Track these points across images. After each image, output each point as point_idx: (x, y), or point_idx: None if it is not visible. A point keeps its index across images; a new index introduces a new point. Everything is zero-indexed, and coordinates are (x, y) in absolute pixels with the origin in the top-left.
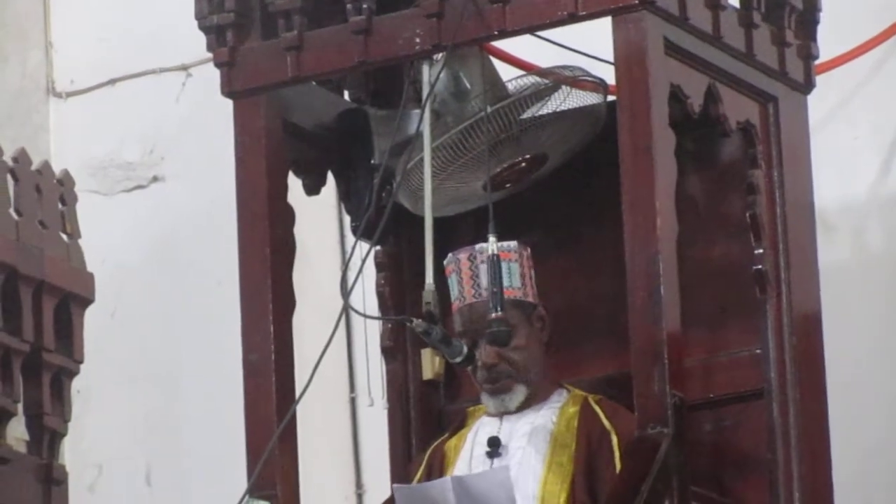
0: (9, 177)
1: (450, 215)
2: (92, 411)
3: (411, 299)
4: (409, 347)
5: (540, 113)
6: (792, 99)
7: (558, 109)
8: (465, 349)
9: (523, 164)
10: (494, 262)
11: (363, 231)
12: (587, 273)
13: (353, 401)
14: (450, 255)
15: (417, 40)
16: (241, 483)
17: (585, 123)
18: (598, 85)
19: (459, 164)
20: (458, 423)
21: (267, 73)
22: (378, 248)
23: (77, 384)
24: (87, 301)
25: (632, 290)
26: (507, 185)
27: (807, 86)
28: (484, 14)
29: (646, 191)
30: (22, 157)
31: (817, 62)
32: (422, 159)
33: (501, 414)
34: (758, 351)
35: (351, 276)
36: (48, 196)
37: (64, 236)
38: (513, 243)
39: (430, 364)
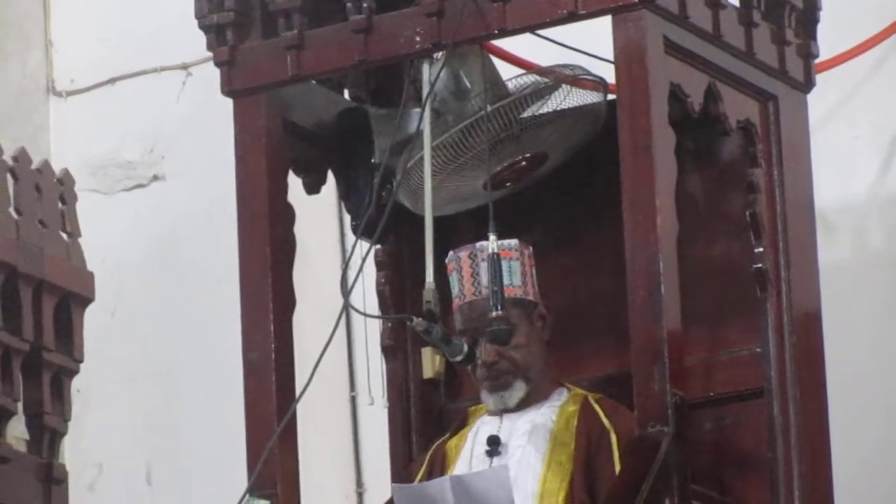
0: (9, 176)
1: (450, 214)
2: (92, 410)
3: (411, 298)
4: (409, 346)
5: (540, 112)
6: (792, 98)
7: (558, 108)
8: (466, 348)
9: (523, 163)
10: (495, 261)
11: (363, 230)
12: (587, 272)
13: (353, 399)
14: (451, 253)
15: (418, 39)
16: (242, 482)
17: (585, 122)
18: (599, 84)
19: (460, 163)
20: (460, 423)
21: (267, 72)
22: (378, 246)
23: (77, 383)
24: (87, 300)
25: (632, 288)
26: (508, 184)
27: (807, 85)
28: (484, 13)
29: (646, 190)
30: (22, 157)
31: (817, 61)
32: (422, 158)
33: (501, 412)
34: (758, 350)
35: (351, 274)
36: (48, 195)
37: (64, 235)
38: (514, 242)
39: (430, 363)
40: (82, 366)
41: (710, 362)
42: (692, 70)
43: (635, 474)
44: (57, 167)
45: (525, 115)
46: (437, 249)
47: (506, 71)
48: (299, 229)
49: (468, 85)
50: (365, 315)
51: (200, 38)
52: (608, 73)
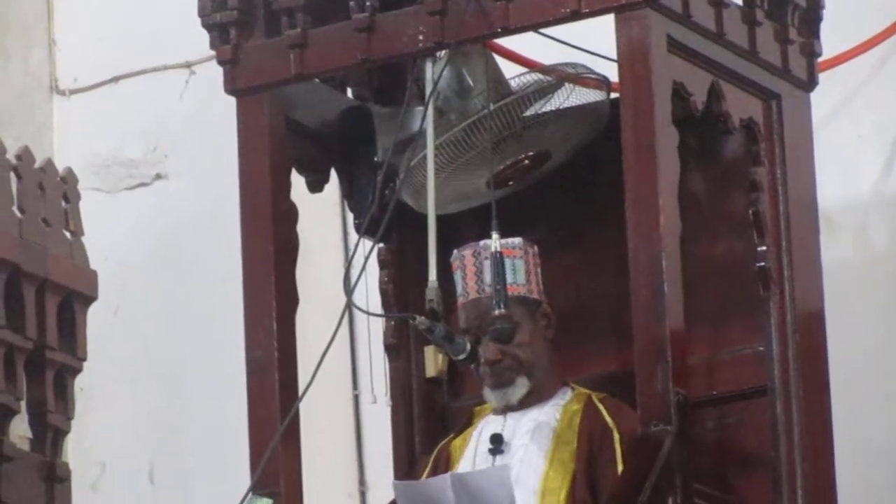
0: (12, 174)
1: (453, 213)
2: (95, 409)
3: (414, 297)
4: (412, 345)
5: (543, 110)
6: (795, 96)
7: (561, 107)
8: (468, 346)
9: (526, 162)
10: (497, 259)
11: (366, 228)
12: (590, 270)
13: (356, 398)
14: (455, 251)
15: (420, 38)
16: (245, 481)
17: (588, 121)
18: (602, 82)
19: (462, 162)
20: (464, 423)
21: (270, 71)
22: (381, 245)
23: (80, 382)
24: (90, 299)
25: (635, 287)
26: (510, 183)
27: (810, 83)
28: (487, 11)
29: (649, 188)
30: (25, 155)
31: (820, 60)
32: (425, 157)
33: (505, 410)
34: (761, 348)
35: (354, 273)
36: (51, 194)
37: (67, 234)
38: (517, 240)
39: (433, 361)
40: (85, 364)
41: (713, 361)
42: (695, 69)
43: (638, 473)
44: (60, 166)
45: (528, 113)
46: (439, 248)
47: (509, 69)
48: (302, 228)
49: (471, 83)
50: (368, 314)
51: (204, 37)
52: (611, 72)
